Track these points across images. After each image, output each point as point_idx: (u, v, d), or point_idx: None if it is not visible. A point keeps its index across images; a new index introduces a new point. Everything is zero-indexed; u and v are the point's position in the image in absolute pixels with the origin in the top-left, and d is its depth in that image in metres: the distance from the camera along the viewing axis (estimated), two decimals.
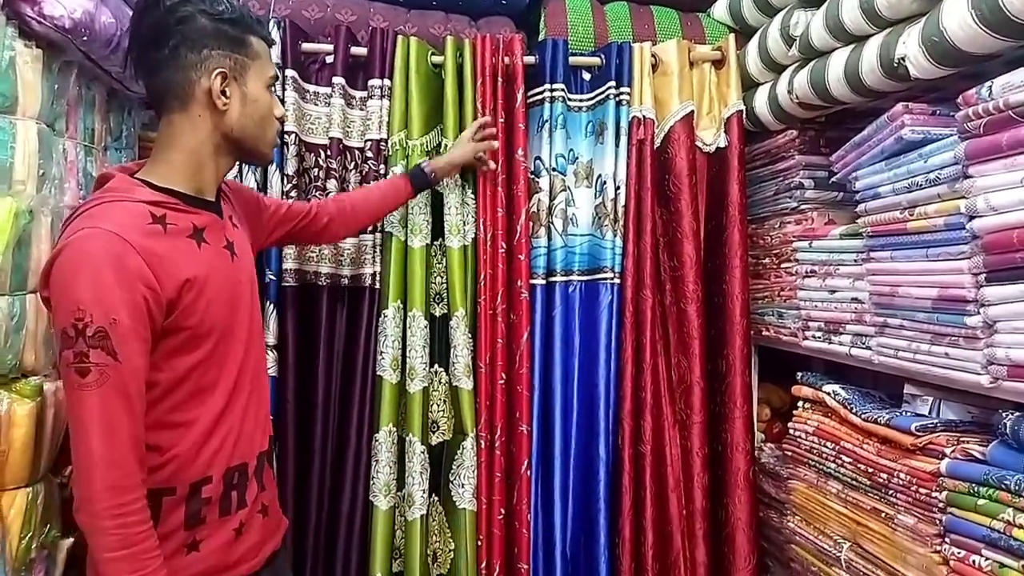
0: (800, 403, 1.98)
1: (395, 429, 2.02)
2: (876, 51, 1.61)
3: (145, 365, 1.10)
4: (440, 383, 2.07)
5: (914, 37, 1.49)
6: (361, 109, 2.07)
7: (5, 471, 1.24)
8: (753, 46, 2.10)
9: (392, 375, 2.00)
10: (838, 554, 1.71)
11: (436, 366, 2.06)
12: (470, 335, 2.04)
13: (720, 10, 2.32)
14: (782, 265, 2.07)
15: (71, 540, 1.48)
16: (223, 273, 1.24)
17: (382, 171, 2.05)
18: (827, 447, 1.82)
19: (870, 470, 1.64)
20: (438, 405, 2.06)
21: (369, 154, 2.04)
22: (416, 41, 2.07)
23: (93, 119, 1.66)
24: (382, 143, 2.05)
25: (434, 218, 2.07)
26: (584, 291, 2.13)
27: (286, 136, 1.98)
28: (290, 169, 1.99)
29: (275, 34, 1.99)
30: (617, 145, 2.10)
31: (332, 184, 2.02)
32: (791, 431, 1.97)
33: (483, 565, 2.01)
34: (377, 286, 2.04)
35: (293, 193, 1.99)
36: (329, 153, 2.03)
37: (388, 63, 2.06)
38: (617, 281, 2.09)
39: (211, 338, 1.20)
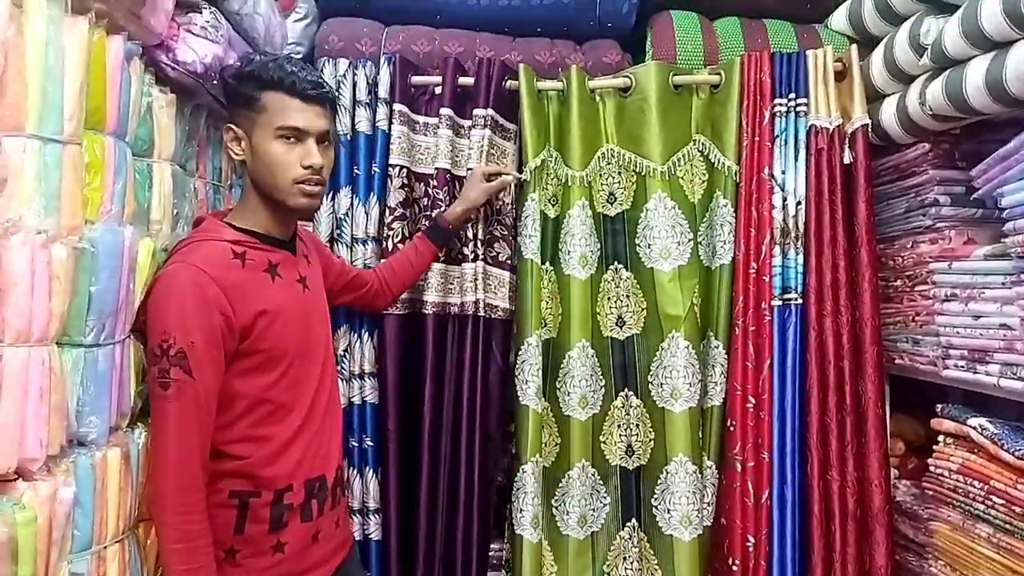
0: (941, 437, 1.84)
1: (540, 459, 1.99)
2: (1022, 58, 1.49)
3: (216, 384, 1.27)
4: (632, 407, 2.05)
5: None
6: (468, 138, 2.08)
7: (143, 503, 1.28)
8: (878, 56, 1.99)
9: (538, 404, 1.98)
10: None
11: (626, 390, 2.06)
12: (695, 358, 2.02)
13: (839, 20, 2.21)
14: (916, 288, 1.94)
15: None
16: (295, 303, 1.41)
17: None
18: (974, 486, 1.68)
19: None
20: (631, 429, 2.05)
21: None
22: (524, 67, 2.07)
23: (220, 158, 1.73)
24: None
25: (603, 245, 2.08)
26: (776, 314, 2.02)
27: (391, 169, 2.01)
28: (392, 201, 2.01)
29: (384, 69, 2.03)
30: (796, 159, 2.01)
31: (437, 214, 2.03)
32: (932, 468, 1.83)
33: None
34: (497, 316, 2.03)
35: (396, 224, 2.00)
36: (436, 183, 2.04)
37: (494, 92, 2.06)
38: (800, 301, 1.99)
39: (284, 361, 1.36)
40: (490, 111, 2.06)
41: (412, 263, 1.91)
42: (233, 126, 1.38)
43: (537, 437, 1.97)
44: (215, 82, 1.43)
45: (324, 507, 1.43)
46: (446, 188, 2.04)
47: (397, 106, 2.03)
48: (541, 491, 1.99)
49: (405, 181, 2.02)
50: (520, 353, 1.99)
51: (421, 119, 2.09)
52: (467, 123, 2.09)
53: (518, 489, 1.96)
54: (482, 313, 2.02)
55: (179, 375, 1.21)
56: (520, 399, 1.98)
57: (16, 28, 0.95)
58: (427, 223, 2.01)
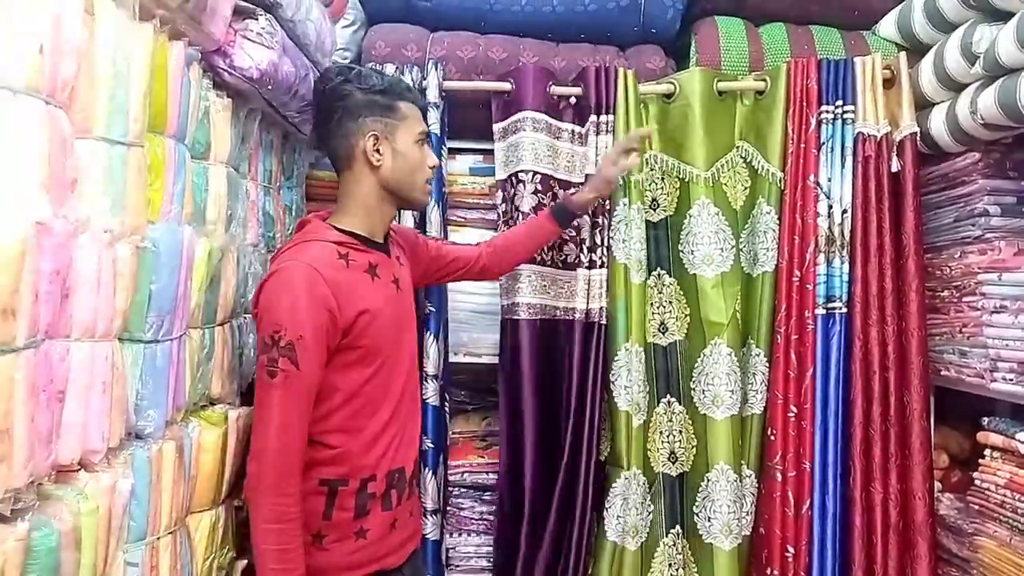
0: (987, 451, 1.81)
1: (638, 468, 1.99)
2: None
3: (319, 376, 1.34)
4: (675, 413, 2.05)
5: None
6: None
7: (193, 495, 1.32)
8: (927, 64, 1.96)
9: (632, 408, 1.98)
10: None
11: (668, 396, 2.06)
12: (737, 365, 2.01)
13: (887, 27, 2.19)
14: (964, 299, 1.91)
15: (245, 562, 1.55)
16: (391, 303, 1.47)
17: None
18: (1023, 502, 1.65)
19: None
20: (673, 435, 2.05)
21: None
22: (631, 73, 2.06)
23: (271, 161, 1.77)
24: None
25: (646, 250, 2.07)
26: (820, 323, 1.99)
27: (522, 175, 2.05)
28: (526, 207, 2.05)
29: (432, 74, 2.06)
30: (843, 166, 1.99)
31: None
32: (978, 482, 1.80)
33: None
34: (603, 321, 2.02)
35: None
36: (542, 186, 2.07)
37: (611, 99, 2.06)
38: (844, 310, 1.97)
39: (379, 357, 1.43)
40: (609, 117, 2.07)
41: (532, 238, 1.93)
42: (376, 132, 1.44)
43: (640, 444, 1.98)
44: (270, 88, 1.47)
45: (402, 497, 1.50)
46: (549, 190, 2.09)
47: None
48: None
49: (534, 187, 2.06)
50: (615, 359, 1.99)
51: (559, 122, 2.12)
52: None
53: (615, 495, 1.96)
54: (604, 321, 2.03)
55: (287, 365, 1.28)
56: (619, 405, 1.97)
57: (88, 34, 0.98)
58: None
